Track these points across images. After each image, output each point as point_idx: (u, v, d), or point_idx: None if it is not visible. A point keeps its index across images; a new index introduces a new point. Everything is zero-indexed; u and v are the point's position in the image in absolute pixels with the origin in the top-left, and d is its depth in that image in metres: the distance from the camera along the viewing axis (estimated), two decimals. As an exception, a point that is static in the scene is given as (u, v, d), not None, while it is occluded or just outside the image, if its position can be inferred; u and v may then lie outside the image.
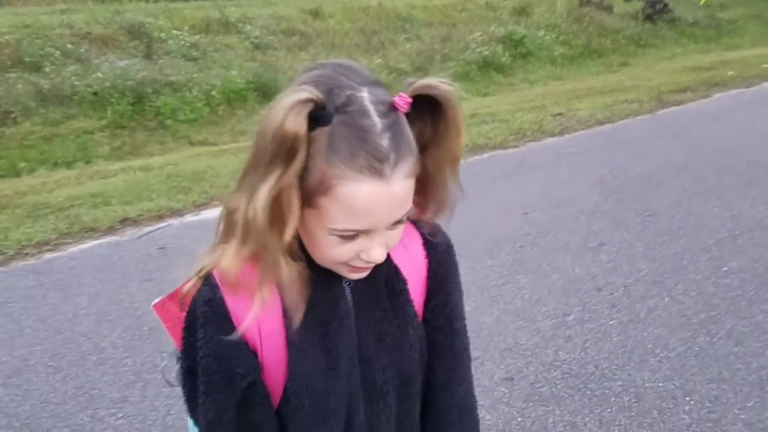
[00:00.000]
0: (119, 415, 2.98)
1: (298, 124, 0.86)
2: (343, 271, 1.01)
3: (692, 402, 2.66)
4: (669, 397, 2.71)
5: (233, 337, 0.98)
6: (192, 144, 8.60)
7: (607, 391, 2.80)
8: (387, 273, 1.08)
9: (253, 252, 0.95)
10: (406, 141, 0.93)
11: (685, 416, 2.58)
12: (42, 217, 5.74)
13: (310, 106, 0.88)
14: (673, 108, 8.69)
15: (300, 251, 0.99)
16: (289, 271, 0.97)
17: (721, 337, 3.13)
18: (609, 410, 2.67)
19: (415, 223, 1.14)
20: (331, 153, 0.89)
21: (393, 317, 1.08)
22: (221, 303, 1.00)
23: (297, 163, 0.88)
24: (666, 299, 3.58)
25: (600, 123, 8.07)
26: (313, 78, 0.93)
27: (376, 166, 0.89)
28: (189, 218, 5.59)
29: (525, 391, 2.86)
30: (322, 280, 1.02)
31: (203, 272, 1.02)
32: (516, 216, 5.18)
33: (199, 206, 5.83)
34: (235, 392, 1.00)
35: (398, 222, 0.98)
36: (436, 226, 1.16)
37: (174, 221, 5.58)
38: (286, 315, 1.00)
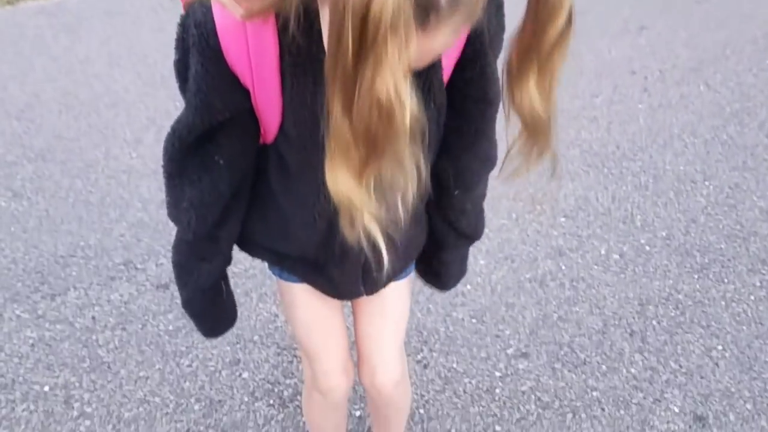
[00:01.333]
0: (133, 155, 2.99)
1: None
2: None
3: (711, 187, 2.61)
4: (688, 180, 2.66)
5: (220, 68, 0.89)
6: None
7: (624, 171, 2.75)
8: None
9: None
10: None
11: (702, 199, 2.55)
12: (48, -46, 5.39)
13: None
14: None
15: None
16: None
17: (752, 128, 3.01)
18: (624, 188, 2.64)
19: None
20: None
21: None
22: (213, 33, 0.88)
23: None
24: (701, 87, 3.41)
25: None
26: None
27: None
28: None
29: (541, 166, 2.81)
30: None
31: None
32: None
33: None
34: (211, 119, 0.93)
35: None
36: None
37: (188, -30, 5.23)
38: (281, 40, 0.88)
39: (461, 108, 1.05)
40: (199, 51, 0.88)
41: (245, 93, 0.92)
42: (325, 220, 1.01)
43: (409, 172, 0.79)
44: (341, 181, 0.77)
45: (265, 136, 0.99)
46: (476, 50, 0.99)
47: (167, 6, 4.64)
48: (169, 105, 3.38)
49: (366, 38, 0.65)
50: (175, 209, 1.02)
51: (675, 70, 3.58)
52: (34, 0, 4.82)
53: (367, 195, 0.79)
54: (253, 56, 0.89)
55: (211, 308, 1.20)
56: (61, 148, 3.07)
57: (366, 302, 1.22)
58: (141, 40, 4.16)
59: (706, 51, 3.78)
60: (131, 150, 3.03)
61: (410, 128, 0.73)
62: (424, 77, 0.96)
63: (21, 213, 2.62)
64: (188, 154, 0.97)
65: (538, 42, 0.80)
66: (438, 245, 1.20)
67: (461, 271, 1.31)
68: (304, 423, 1.73)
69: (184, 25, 0.92)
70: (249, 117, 0.96)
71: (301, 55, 0.88)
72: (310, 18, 0.86)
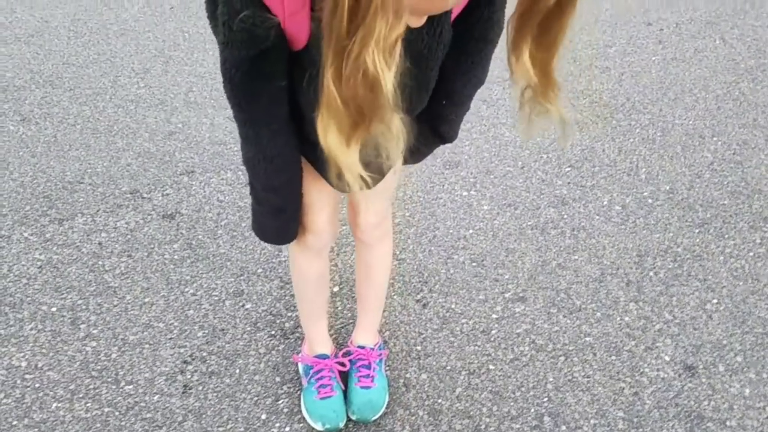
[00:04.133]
0: (141, 85, 2.98)
1: None
2: None
3: (719, 143, 2.60)
4: (696, 135, 2.65)
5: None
6: None
7: (633, 123, 2.74)
8: None
9: None
10: None
11: (709, 155, 2.54)
12: None
13: None
14: None
15: None
16: None
17: (765, 85, 2.97)
18: (631, 140, 2.63)
19: None
20: None
21: None
22: None
23: None
24: (717, 41, 3.35)
25: None
26: None
27: None
28: None
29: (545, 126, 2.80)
30: None
31: None
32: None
33: None
34: (254, 51, 0.98)
35: None
36: None
37: None
38: None
39: (462, 44, 1.13)
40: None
41: (278, 23, 0.95)
42: None
43: (396, 136, 0.85)
44: (330, 139, 0.86)
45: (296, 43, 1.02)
46: None
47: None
48: (177, 37, 3.35)
49: (357, 14, 0.71)
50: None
51: (691, 23, 3.52)
52: None
53: (354, 158, 0.88)
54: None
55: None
56: (69, 74, 3.05)
57: None
58: (151, -33, 4.09)
59: (725, 4, 3.71)
60: (139, 80, 3.02)
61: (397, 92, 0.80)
62: (437, 23, 1.01)
63: (29, 137, 2.63)
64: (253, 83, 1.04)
65: (534, 8, 0.85)
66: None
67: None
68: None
69: None
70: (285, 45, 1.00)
71: None
72: None
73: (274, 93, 1.05)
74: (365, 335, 1.71)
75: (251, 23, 0.92)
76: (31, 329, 1.85)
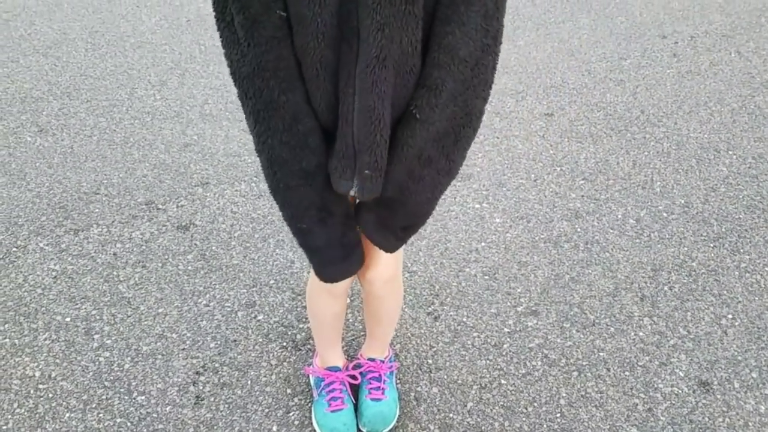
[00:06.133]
0: (157, 97, 3.01)
1: None
2: None
3: (734, 156, 2.59)
4: (711, 149, 2.64)
5: None
6: None
7: (647, 136, 2.73)
8: None
9: None
10: None
11: (724, 168, 2.53)
12: None
13: None
14: None
15: None
16: None
17: (782, 100, 2.96)
18: (646, 153, 2.62)
19: None
20: None
21: None
22: None
23: None
24: (732, 54, 3.34)
25: None
26: None
27: None
28: None
29: (562, 127, 2.80)
30: None
31: None
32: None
33: None
34: None
35: None
36: None
37: None
38: None
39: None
40: None
41: None
42: (329, 72, 1.04)
43: None
44: None
45: None
46: None
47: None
48: (194, 49, 3.38)
49: None
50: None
51: (707, 37, 3.51)
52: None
53: None
54: None
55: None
56: (86, 86, 3.09)
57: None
58: (168, -19, 4.15)
59: (741, 17, 3.70)
60: (155, 92, 3.05)
61: None
62: None
63: (46, 148, 2.66)
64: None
65: None
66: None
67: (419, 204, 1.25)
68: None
69: None
70: None
71: None
72: None
73: (277, 22, 1.01)
74: (376, 348, 1.70)
75: None
76: (45, 339, 1.87)
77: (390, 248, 1.28)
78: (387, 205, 1.19)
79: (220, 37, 1.07)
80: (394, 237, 1.25)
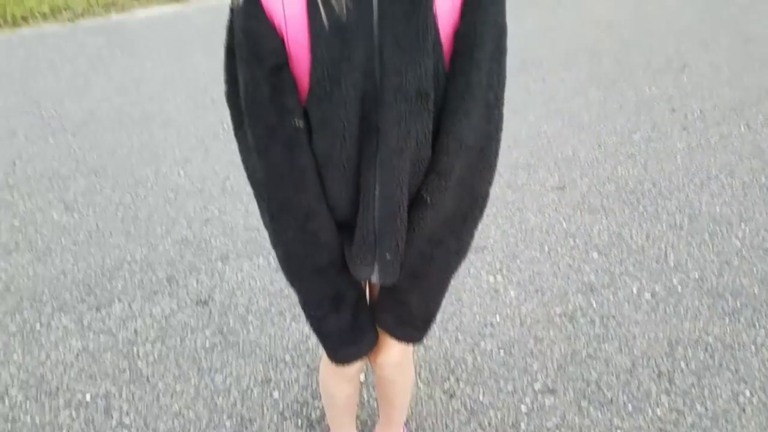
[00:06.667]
0: (181, 173, 3.11)
1: None
2: None
3: (747, 230, 2.60)
4: (724, 222, 2.66)
5: (260, 15, 1.02)
6: None
7: (660, 209, 2.76)
8: None
9: None
10: None
11: (737, 242, 2.54)
12: (109, -23, 5.64)
13: None
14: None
15: None
16: None
17: (793, 172, 2.99)
18: (659, 226, 2.64)
19: None
20: None
21: (412, 20, 1.06)
22: None
23: None
24: (742, 128, 3.39)
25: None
26: None
27: None
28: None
29: (575, 200, 2.84)
30: None
31: None
32: (600, 27, 4.84)
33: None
34: (264, 68, 1.05)
35: None
36: None
37: (240, -5, 5.41)
38: (309, 2, 1.02)
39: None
40: (243, 8, 1.02)
41: (282, 42, 1.03)
42: (352, 166, 1.11)
43: None
44: None
45: (301, 93, 1.08)
46: (471, 7, 1.07)
47: (221, 33, 4.82)
48: (217, 128, 3.51)
49: None
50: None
51: (716, 110, 3.58)
52: (95, 19, 5.05)
53: None
54: (287, 7, 1.01)
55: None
56: (113, 164, 3.21)
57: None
58: (194, 62, 4.33)
59: (749, 92, 3.77)
60: (180, 169, 3.15)
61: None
62: (421, 16, 1.04)
63: (72, 226, 2.75)
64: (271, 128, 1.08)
65: None
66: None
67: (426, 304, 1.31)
68: (330, 444, 1.79)
69: (232, 10, 1.06)
70: (290, 73, 1.06)
71: (329, 25, 1.02)
72: None
73: (292, 133, 1.08)
74: (390, 429, 1.70)
75: (258, 36, 1.02)
76: (66, 417, 1.89)
77: (415, 340, 1.31)
78: (401, 300, 1.24)
79: (238, 145, 1.16)
80: (415, 330, 1.28)
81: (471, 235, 1.22)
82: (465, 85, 1.11)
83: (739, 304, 2.24)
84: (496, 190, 2.81)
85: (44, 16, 4.90)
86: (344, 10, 1.02)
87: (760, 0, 5.31)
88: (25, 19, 4.84)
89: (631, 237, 2.60)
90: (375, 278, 1.20)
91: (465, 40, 1.10)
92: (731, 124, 3.42)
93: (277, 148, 1.09)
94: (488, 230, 2.65)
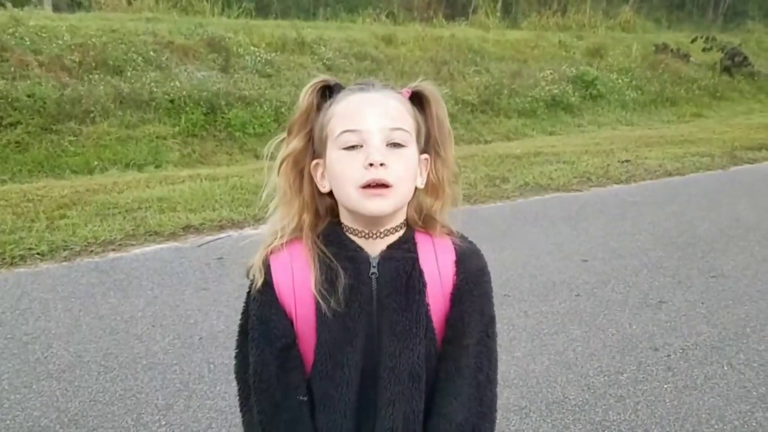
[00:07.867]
0: (162, 422, 3.03)
1: (310, 100, 1.19)
2: (366, 205, 1.12)
3: (747, 482, 2.54)
4: (722, 474, 2.60)
5: (273, 302, 1.16)
6: (258, 157, 8.81)
7: (656, 459, 2.70)
8: (411, 273, 1.17)
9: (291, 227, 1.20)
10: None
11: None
12: (110, 216, 5.95)
13: (320, 85, 1.19)
14: (746, 165, 8.43)
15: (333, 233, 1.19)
16: (321, 254, 1.15)
17: (783, 415, 2.98)
18: (657, 479, 2.57)
19: (455, 243, 1.23)
20: (333, 103, 1.17)
21: (406, 311, 1.16)
22: (269, 272, 1.17)
23: (308, 127, 1.19)
24: (725, 367, 3.44)
25: (669, 174, 7.89)
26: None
27: (362, 86, 1.18)
28: (248, 231, 5.71)
29: None
30: (351, 267, 1.15)
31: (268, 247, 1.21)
32: (575, 262, 5.08)
33: (259, 220, 5.94)
34: (273, 349, 1.14)
35: (396, 144, 1.12)
36: (474, 249, 1.24)
37: (234, 233, 5.71)
38: (317, 292, 1.14)
39: None
40: (259, 296, 1.13)
41: (291, 323, 1.14)
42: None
43: None
44: None
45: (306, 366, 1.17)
46: (461, 298, 1.22)
47: (212, 265, 4.99)
48: (203, 368, 3.50)
49: None
50: None
51: (697, 348, 3.65)
52: (89, 258, 5.22)
53: None
54: (297, 291, 1.14)
55: None
56: (94, 412, 3.13)
57: None
58: (185, 299, 4.42)
59: (727, 328, 3.88)
60: (161, 416, 3.08)
61: None
62: (414, 306, 1.18)
63: (45, 485, 2.61)
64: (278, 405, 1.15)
65: None
66: None
67: None
68: None
69: (249, 293, 1.19)
70: (298, 350, 1.16)
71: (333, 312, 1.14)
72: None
73: (296, 407, 1.15)
74: None
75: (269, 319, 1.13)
76: None
77: None
78: None
79: (242, 418, 1.21)
80: None
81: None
82: (455, 369, 1.20)
83: None
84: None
85: (42, 255, 5.07)
86: (347, 301, 1.14)
87: (724, 235, 5.67)
88: (23, 258, 5.00)
89: (630, 491, 2.52)
90: None
91: (454, 328, 1.21)
92: (714, 364, 3.48)
93: (282, 423, 1.15)
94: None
